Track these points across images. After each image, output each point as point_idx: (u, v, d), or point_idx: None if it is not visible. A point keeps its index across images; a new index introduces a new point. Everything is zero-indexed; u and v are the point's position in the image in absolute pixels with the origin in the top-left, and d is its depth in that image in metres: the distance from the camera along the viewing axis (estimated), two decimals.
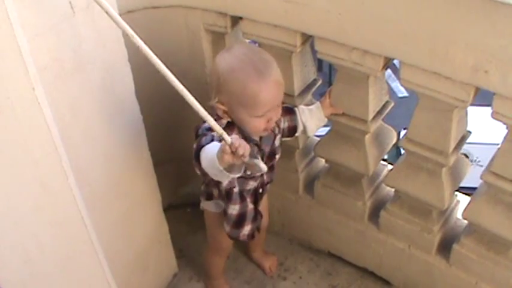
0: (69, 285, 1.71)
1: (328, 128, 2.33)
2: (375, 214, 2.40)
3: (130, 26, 1.99)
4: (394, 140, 2.31)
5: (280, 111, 1.87)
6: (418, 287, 2.42)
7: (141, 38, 2.19)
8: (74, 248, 1.66)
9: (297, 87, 2.22)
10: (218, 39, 2.27)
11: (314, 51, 2.11)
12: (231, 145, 1.54)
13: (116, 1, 1.82)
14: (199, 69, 2.36)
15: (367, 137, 2.18)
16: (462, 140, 2.05)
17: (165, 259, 2.50)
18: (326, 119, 2.15)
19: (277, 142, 2.02)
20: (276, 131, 2.00)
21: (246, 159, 1.57)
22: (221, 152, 1.57)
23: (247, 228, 2.13)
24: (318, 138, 2.41)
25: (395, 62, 1.92)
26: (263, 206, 2.26)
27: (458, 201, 2.32)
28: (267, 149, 1.98)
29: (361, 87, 2.04)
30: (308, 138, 2.40)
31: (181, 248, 2.65)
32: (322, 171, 2.53)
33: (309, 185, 2.54)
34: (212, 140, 1.72)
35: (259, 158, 1.94)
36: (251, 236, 2.18)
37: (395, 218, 2.31)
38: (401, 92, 11.64)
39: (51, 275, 1.61)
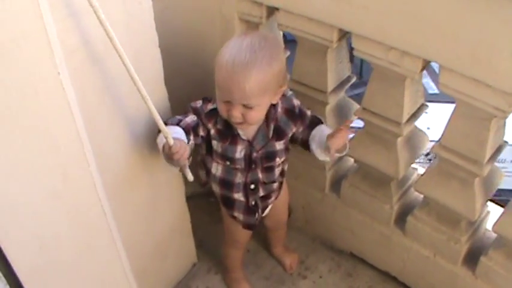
0: (84, 273, 1.68)
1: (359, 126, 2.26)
2: (401, 219, 2.33)
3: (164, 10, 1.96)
4: (427, 144, 2.24)
5: (252, 114, 1.79)
6: None
7: (174, 24, 2.17)
8: (92, 236, 1.63)
9: (331, 83, 2.16)
10: (252, 29, 2.21)
11: (350, 47, 2.05)
12: (170, 147, 1.66)
13: None
14: None
15: (399, 139, 2.11)
16: (498, 150, 1.97)
17: (185, 249, 2.47)
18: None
19: (278, 146, 1.98)
20: (270, 134, 1.94)
21: (177, 164, 1.71)
22: (161, 147, 1.72)
23: (239, 215, 2.13)
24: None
25: None
26: (280, 202, 2.24)
27: (488, 212, 2.24)
28: (257, 146, 1.94)
29: (396, 88, 1.97)
30: None
31: (202, 238, 2.61)
32: (350, 170, 2.47)
33: (336, 184, 2.48)
34: (178, 124, 1.82)
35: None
36: (247, 226, 2.18)
37: (423, 225, 2.24)
38: (432, 88, 11.47)
39: (67, 262, 1.58)
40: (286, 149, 2.03)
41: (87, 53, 1.50)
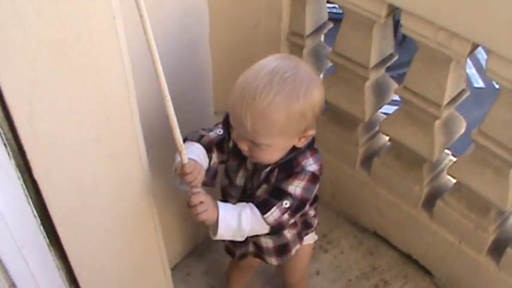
0: (116, 221, 1.69)
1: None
2: (430, 202, 2.32)
3: None
4: (463, 130, 2.22)
5: (259, 153, 1.57)
6: (461, 284, 2.35)
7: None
8: (128, 185, 1.63)
9: (373, 59, 2.15)
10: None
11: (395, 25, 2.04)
12: (183, 166, 1.52)
13: None
14: (274, 22, 2.29)
15: (437, 122, 2.10)
16: None
17: None
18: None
19: (264, 176, 1.68)
20: (262, 176, 1.68)
21: (191, 188, 1.55)
22: (174, 165, 1.59)
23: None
24: (385, 115, 2.34)
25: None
26: (292, 265, 2.07)
27: None
28: (256, 182, 1.70)
29: (441, 70, 1.95)
30: (375, 113, 2.32)
31: None
32: (383, 148, 2.45)
33: (367, 161, 2.47)
34: (199, 140, 1.69)
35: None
36: (227, 250, 2.01)
37: (451, 210, 2.23)
38: (478, 82, 10.93)
39: (101, 209, 1.58)
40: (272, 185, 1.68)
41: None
